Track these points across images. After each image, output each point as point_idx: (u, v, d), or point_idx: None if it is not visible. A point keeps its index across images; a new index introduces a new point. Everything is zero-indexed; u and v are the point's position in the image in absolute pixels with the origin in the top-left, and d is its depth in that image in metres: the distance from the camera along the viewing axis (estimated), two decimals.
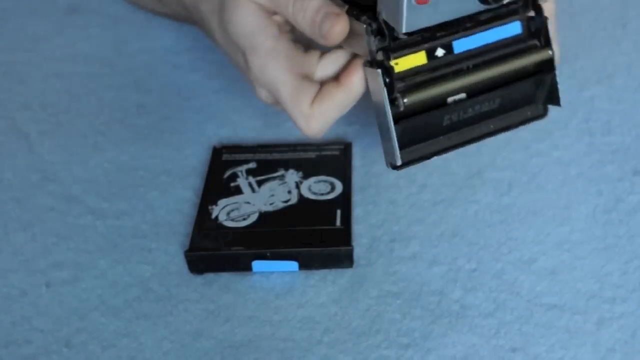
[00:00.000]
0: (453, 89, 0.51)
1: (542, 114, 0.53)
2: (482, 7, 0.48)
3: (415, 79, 0.50)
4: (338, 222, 0.55)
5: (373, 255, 0.55)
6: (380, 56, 0.49)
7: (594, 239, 0.55)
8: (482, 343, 0.49)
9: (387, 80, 0.49)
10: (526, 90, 0.52)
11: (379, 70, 0.49)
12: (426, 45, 0.50)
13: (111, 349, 0.50)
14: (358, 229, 0.57)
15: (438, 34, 0.50)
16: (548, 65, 0.52)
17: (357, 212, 0.58)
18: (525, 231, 0.56)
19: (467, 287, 0.53)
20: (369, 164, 0.62)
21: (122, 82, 0.72)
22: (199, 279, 0.54)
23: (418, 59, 0.51)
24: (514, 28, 0.52)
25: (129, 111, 0.69)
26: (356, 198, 0.59)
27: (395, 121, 0.49)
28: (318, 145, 0.63)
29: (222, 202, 0.57)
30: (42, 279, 0.55)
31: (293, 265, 0.54)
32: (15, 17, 0.82)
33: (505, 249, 0.55)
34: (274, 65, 0.52)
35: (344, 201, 0.57)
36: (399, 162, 0.50)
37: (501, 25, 0.51)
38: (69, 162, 0.64)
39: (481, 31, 0.51)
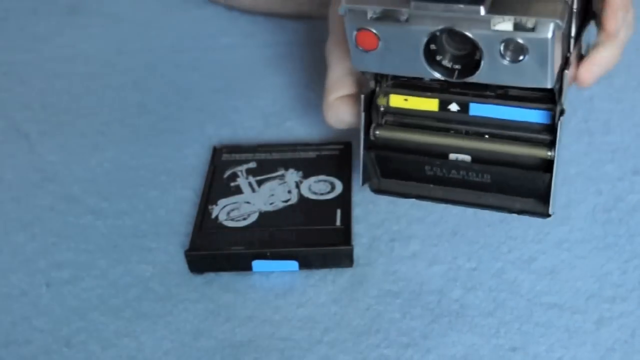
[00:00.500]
0: (440, 144, 0.51)
1: (544, 214, 0.50)
2: (431, 74, 0.46)
3: (406, 120, 0.51)
4: (338, 222, 0.55)
5: (373, 255, 0.55)
6: (374, 86, 0.51)
7: (594, 238, 0.55)
8: (482, 342, 0.49)
9: (367, 108, 0.51)
10: (521, 181, 0.50)
11: (362, 96, 0.50)
12: (442, 96, 0.51)
13: (111, 349, 0.51)
14: (358, 228, 0.57)
15: (460, 90, 0.50)
16: (544, 165, 0.49)
17: (357, 211, 0.58)
18: (525, 230, 0.56)
19: (467, 286, 0.53)
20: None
21: (122, 81, 0.72)
22: (199, 279, 0.54)
23: (429, 104, 0.51)
24: (538, 115, 0.49)
25: (129, 111, 0.69)
26: (356, 198, 0.59)
27: (370, 148, 0.51)
28: (318, 145, 0.63)
29: (222, 202, 0.57)
30: (42, 279, 0.55)
31: (293, 264, 0.54)
32: (15, 17, 0.83)
33: (505, 248, 0.55)
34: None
35: (344, 201, 0.57)
36: (361, 184, 0.52)
37: (526, 107, 0.49)
38: (69, 162, 0.64)
39: (503, 104, 0.50)
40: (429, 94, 0.51)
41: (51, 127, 0.68)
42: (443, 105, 0.51)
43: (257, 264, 0.54)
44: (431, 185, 0.52)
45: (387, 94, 0.52)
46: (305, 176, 0.59)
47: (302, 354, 0.50)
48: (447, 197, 0.52)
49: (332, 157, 0.61)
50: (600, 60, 0.51)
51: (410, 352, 0.49)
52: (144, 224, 0.59)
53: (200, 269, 0.54)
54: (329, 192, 0.58)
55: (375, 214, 0.58)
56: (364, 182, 0.53)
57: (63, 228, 0.59)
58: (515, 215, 0.57)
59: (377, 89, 0.51)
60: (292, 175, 0.60)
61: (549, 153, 0.48)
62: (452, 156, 0.50)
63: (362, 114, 0.51)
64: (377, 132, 0.51)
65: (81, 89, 0.72)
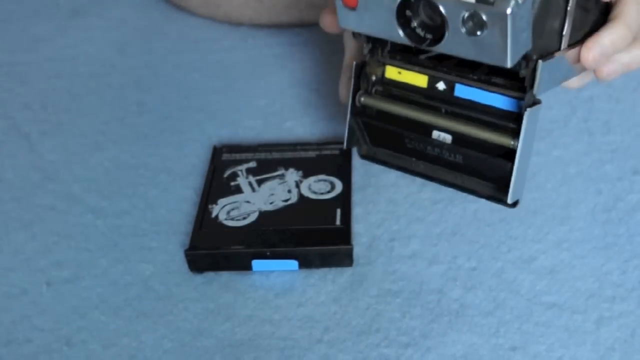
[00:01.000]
0: (419, 119, 0.52)
1: (504, 202, 0.50)
2: (401, 38, 0.48)
3: (394, 92, 0.53)
4: (338, 221, 0.55)
5: (373, 254, 0.55)
6: (367, 53, 0.53)
7: (594, 238, 0.55)
8: (482, 342, 0.50)
9: (357, 75, 0.54)
10: (487, 166, 0.50)
11: (354, 63, 0.53)
12: (431, 73, 0.52)
13: (112, 348, 0.51)
14: (358, 228, 0.57)
15: (449, 71, 0.52)
16: (509, 154, 0.49)
17: (357, 211, 0.58)
18: (525, 230, 0.56)
19: (466, 285, 0.53)
20: (368, 163, 0.62)
21: (122, 81, 0.72)
22: (199, 278, 0.54)
23: (420, 80, 0.53)
24: (509, 103, 0.50)
25: (130, 110, 0.69)
26: (356, 197, 0.59)
27: (356, 115, 0.54)
28: (318, 145, 0.63)
29: (222, 201, 0.57)
30: (43, 278, 0.55)
31: (293, 264, 0.54)
32: (17, 19, 0.83)
33: (504, 247, 0.55)
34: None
35: (344, 200, 0.57)
36: (344, 147, 0.55)
37: (500, 94, 0.50)
38: (69, 161, 0.64)
39: (485, 89, 0.51)
40: (421, 69, 0.53)
41: (51, 127, 0.68)
42: (432, 82, 0.52)
43: (256, 264, 0.54)
44: (414, 159, 0.53)
45: (382, 65, 0.54)
46: (305, 176, 0.60)
47: (302, 353, 0.50)
48: (427, 172, 0.53)
49: (332, 156, 0.61)
50: (603, 40, 0.50)
51: (410, 352, 0.49)
52: (144, 223, 0.59)
53: (200, 268, 0.55)
54: (328, 192, 0.58)
55: (375, 214, 0.58)
56: (347, 146, 0.55)
57: (63, 227, 0.59)
58: (514, 213, 0.57)
59: (370, 58, 0.53)
60: (292, 175, 0.60)
61: (512, 142, 0.49)
62: (435, 134, 0.52)
63: (352, 81, 0.53)
64: (362, 99, 0.54)
65: (82, 89, 0.72)
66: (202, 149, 0.64)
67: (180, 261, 0.55)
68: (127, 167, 0.63)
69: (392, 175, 0.61)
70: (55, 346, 0.51)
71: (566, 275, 0.53)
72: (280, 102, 0.70)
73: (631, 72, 0.69)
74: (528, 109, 0.47)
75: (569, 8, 0.48)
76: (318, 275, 0.54)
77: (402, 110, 0.53)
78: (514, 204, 0.50)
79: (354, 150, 0.62)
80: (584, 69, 0.52)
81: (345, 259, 0.54)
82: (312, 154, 0.62)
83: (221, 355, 0.50)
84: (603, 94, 0.67)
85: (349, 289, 0.53)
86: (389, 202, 0.59)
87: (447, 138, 0.51)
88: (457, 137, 0.51)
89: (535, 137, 0.50)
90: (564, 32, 0.49)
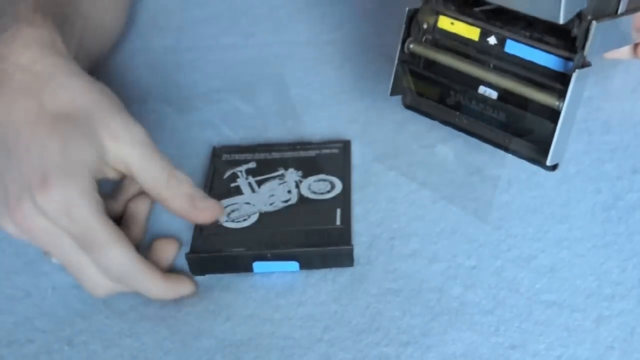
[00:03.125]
0: (467, 72, 0.52)
1: (544, 164, 0.50)
2: None
3: (444, 42, 0.53)
4: (338, 221, 0.56)
5: (373, 253, 0.55)
6: (422, 3, 0.53)
7: (593, 237, 0.55)
8: (482, 340, 0.50)
9: (408, 21, 0.54)
10: (530, 125, 0.50)
11: (407, 9, 0.53)
12: (484, 26, 0.52)
13: (113, 349, 0.51)
14: (358, 227, 0.57)
15: (502, 26, 0.51)
16: (554, 116, 0.49)
17: (356, 210, 0.58)
18: (525, 228, 0.56)
19: (466, 284, 0.53)
20: (368, 162, 0.62)
21: (122, 81, 0.72)
22: (199, 279, 0.55)
23: (471, 32, 0.52)
24: (559, 63, 0.50)
25: (129, 110, 0.69)
26: (356, 196, 0.59)
27: (404, 62, 0.54)
28: (318, 144, 0.63)
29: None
30: (48, 282, 0.55)
31: (294, 265, 0.54)
32: None
33: (504, 246, 0.55)
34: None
35: (344, 200, 0.57)
36: (389, 94, 0.55)
37: (550, 53, 0.50)
38: None
39: (536, 47, 0.50)
40: (474, 21, 0.52)
41: None
42: (483, 36, 0.52)
43: (257, 266, 0.54)
44: (457, 113, 0.53)
45: (435, 14, 0.54)
46: (305, 175, 0.60)
47: (302, 352, 0.50)
48: (469, 128, 0.53)
49: (332, 156, 0.62)
50: None
51: (410, 350, 0.49)
52: None
53: (201, 270, 0.55)
54: (328, 192, 0.58)
55: (375, 213, 0.58)
56: (392, 93, 0.55)
57: None
58: (514, 212, 0.57)
59: (424, 5, 0.53)
60: (291, 175, 0.60)
61: (557, 103, 0.48)
62: (482, 89, 0.51)
63: (403, 26, 0.53)
64: (412, 46, 0.54)
65: None
66: (202, 149, 0.64)
67: (181, 264, 0.55)
68: None
69: (392, 174, 0.61)
70: (57, 346, 0.51)
71: (566, 274, 0.53)
72: (280, 102, 0.70)
73: (631, 72, 0.69)
74: (577, 70, 0.47)
75: None
76: (318, 274, 0.54)
77: (451, 61, 0.53)
78: (554, 167, 0.50)
79: (354, 150, 0.63)
80: None
81: (345, 259, 0.54)
82: (311, 153, 0.62)
83: (222, 355, 0.50)
84: (602, 93, 0.67)
85: (349, 288, 0.53)
86: (388, 200, 0.59)
87: (493, 94, 0.51)
88: (503, 93, 0.50)
89: (580, 104, 0.49)
90: None
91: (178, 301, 0.53)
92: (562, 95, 0.48)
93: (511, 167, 0.61)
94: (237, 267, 0.54)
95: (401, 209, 0.59)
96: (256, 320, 0.52)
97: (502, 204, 0.58)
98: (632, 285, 0.52)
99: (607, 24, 0.48)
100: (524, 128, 0.50)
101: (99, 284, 0.51)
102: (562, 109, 0.48)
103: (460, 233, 0.56)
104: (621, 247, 0.55)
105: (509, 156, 0.61)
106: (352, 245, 0.54)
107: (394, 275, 0.54)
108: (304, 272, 0.55)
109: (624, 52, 0.54)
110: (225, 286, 0.54)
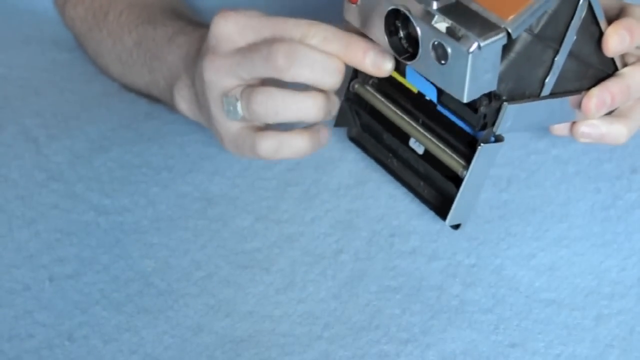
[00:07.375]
0: (399, 125, 0.53)
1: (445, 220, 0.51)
2: (386, 45, 0.48)
3: (387, 89, 0.54)
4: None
5: (373, 250, 0.55)
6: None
7: (592, 236, 0.56)
8: (481, 338, 0.50)
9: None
10: (440, 184, 0.52)
11: None
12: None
13: (113, 343, 0.51)
14: (358, 222, 0.57)
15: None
16: (458, 181, 0.50)
17: (356, 205, 0.58)
18: (524, 227, 0.56)
19: (466, 282, 0.53)
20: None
21: (134, 97, 0.72)
22: (199, 273, 0.55)
23: (412, 85, 0.53)
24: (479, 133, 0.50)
25: (137, 118, 0.69)
26: (356, 191, 0.59)
27: (348, 99, 0.56)
28: None
29: None
30: (46, 274, 0.55)
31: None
32: (36, 44, 0.81)
33: (504, 244, 0.55)
34: None
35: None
36: (333, 126, 0.56)
37: (469, 123, 0.50)
38: (73, 162, 0.64)
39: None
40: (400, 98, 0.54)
41: (59, 132, 0.67)
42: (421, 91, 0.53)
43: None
44: (390, 155, 0.55)
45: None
46: None
47: (302, 349, 0.50)
48: (398, 172, 0.55)
49: None
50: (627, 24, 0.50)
51: (409, 348, 0.49)
52: (145, 220, 0.59)
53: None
54: None
55: (375, 209, 0.58)
56: (335, 125, 0.57)
57: (66, 225, 0.59)
58: (514, 211, 0.57)
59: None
60: None
61: (462, 170, 0.50)
62: (412, 141, 0.53)
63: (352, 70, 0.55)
64: (356, 87, 0.55)
65: (93, 101, 0.71)
66: (204, 149, 0.64)
67: (181, 257, 0.56)
68: (130, 166, 0.63)
69: None
70: (57, 341, 0.51)
71: (565, 273, 0.53)
72: None
73: None
74: (482, 145, 0.48)
75: (556, 59, 0.49)
76: (318, 270, 0.54)
77: (387, 111, 0.54)
78: (456, 227, 0.52)
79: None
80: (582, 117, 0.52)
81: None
82: None
83: (221, 351, 0.50)
84: None
85: (349, 285, 0.54)
86: (389, 197, 0.59)
87: (420, 148, 0.53)
88: (426, 150, 0.52)
89: (488, 174, 0.51)
90: (546, 80, 0.50)
91: (178, 295, 0.53)
92: (466, 162, 0.50)
93: (511, 166, 0.61)
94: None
95: (401, 205, 0.59)
96: (256, 317, 0.52)
97: (501, 202, 0.58)
98: (632, 283, 0.52)
99: (523, 106, 0.49)
100: (436, 185, 0.52)
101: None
102: (464, 176, 0.49)
103: (459, 231, 0.56)
104: (620, 246, 0.55)
105: (508, 155, 0.61)
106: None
107: (393, 272, 0.54)
108: (304, 267, 0.54)
109: (564, 129, 0.55)
110: (225, 281, 0.54)
